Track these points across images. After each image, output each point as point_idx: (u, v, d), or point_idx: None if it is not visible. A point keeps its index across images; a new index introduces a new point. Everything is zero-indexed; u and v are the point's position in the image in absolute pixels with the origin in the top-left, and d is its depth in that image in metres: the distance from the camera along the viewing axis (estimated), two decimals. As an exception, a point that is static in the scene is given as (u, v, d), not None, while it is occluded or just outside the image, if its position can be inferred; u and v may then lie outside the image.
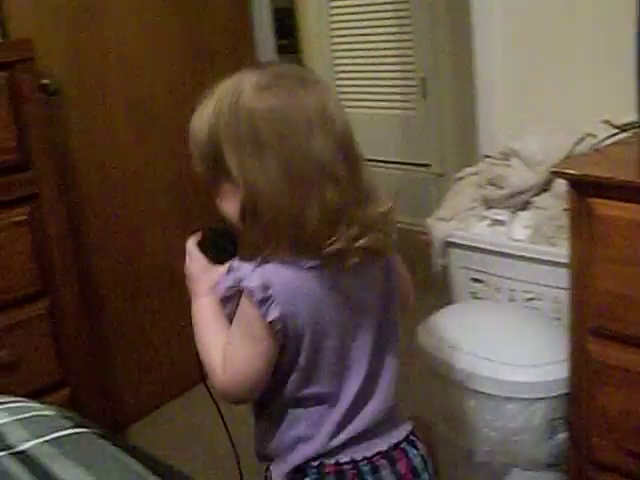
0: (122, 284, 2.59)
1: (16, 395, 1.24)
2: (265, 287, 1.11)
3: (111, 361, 2.58)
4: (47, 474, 0.86)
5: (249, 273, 1.13)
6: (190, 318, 1.29)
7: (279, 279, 1.12)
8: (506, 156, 2.09)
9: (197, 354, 1.25)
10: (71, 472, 0.86)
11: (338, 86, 4.16)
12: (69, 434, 0.96)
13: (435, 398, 1.88)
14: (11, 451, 0.92)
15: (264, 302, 1.11)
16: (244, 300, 1.14)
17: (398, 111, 3.99)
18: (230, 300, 1.20)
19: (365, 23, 4.00)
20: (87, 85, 2.45)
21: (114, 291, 2.57)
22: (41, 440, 0.94)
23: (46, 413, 1.04)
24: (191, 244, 1.31)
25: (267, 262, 1.12)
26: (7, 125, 1.99)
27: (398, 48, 3.85)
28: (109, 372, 2.56)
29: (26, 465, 0.89)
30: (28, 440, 0.94)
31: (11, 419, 1.00)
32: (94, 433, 0.98)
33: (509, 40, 2.23)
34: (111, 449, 0.94)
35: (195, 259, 1.30)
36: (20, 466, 0.89)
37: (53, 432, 0.97)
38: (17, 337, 2.08)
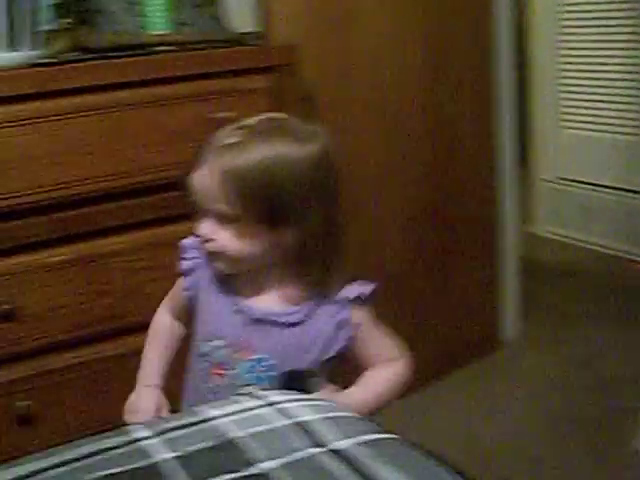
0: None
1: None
2: None
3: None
4: (367, 475, 0.88)
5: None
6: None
7: None
8: None
9: None
10: (393, 476, 0.88)
11: (563, 106, 4.10)
12: (381, 438, 0.98)
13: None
14: (326, 449, 0.95)
15: None
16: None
17: (623, 136, 3.90)
18: None
19: (597, 45, 3.93)
20: (336, 91, 2.51)
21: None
22: (354, 441, 0.96)
23: (348, 414, 1.07)
24: None
25: None
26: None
27: (631, 72, 3.76)
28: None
29: (344, 463, 0.91)
30: (340, 439, 0.97)
31: (317, 417, 1.04)
32: (397, 438, 1.00)
33: None
34: (422, 457, 0.95)
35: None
36: (338, 464, 0.92)
37: (364, 434, 0.99)
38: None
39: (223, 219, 1.33)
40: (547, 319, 3.48)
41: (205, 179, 1.32)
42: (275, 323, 1.37)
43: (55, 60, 1.93)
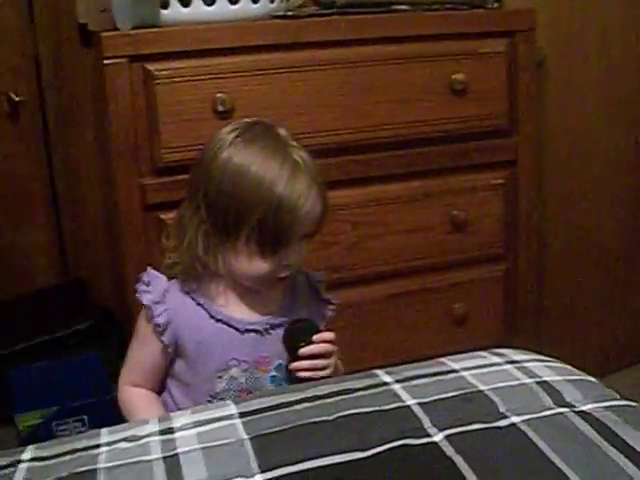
0: (568, 258, 2.62)
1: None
2: None
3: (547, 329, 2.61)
4: (617, 437, 0.90)
5: None
6: None
7: None
8: None
9: None
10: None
11: None
12: (624, 404, 0.99)
13: None
14: (572, 409, 0.97)
15: None
16: None
17: None
18: None
19: None
20: (567, 59, 2.47)
21: (560, 263, 2.60)
22: (600, 405, 0.98)
23: (590, 379, 1.08)
24: None
25: None
26: (501, 91, 2.07)
27: None
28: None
29: (591, 424, 0.93)
30: (586, 402, 0.99)
31: (561, 378, 1.06)
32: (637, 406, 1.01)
33: None
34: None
35: None
36: (586, 424, 0.94)
37: (607, 399, 1.01)
38: (470, 293, 2.16)
39: (303, 239, 1.37)
40: None
41: (317, 206, 1.34)
42: (276, 326, 1.42)
43: (294, 14, 2.00)
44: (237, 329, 1.38)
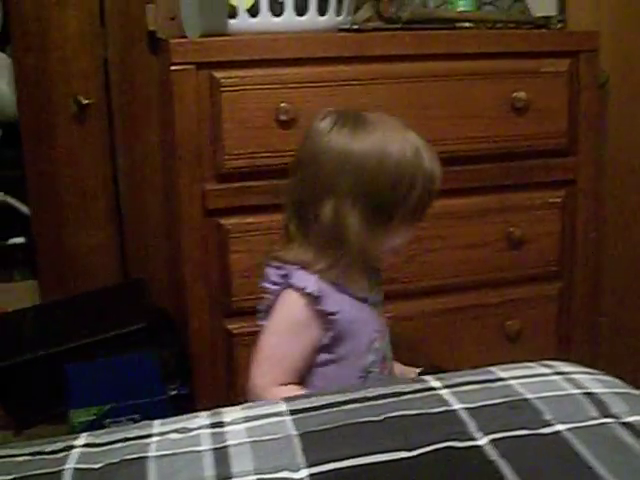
0: (627, 276, 2.60)
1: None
2: None
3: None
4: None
5: None
6: None
7: None
8: None
9: None
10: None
11: None
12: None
13: None
14: (617, 420, 0.98)
15: None
16: None
17: None
18: None
19: None
20: (630, 82, 2.46)
21: (618, 281, 2.58)
22: (645, 417, 0.99)
23: (637, 392, 1.08)
24: None
25: None
26: (562, 111, 2.07)
27: None
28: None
29: (635, 435, 0.94)
30: (631, 414, 1.00)
31: (608, 391, 1.06)
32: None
33: None
34: None
35: None
36: (630, 436, 0.94)
37: (654, 412, 1.01)
38: (524, 311, 2.16)
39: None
40: None
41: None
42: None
43: (359, 27, 2.03)
44: (369, 304, 1.51)
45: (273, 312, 1.45)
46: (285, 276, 1.43)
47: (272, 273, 1.46)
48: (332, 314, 1.42)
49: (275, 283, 1.45)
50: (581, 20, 2.39)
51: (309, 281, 1.41)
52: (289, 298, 1.43)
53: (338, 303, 1.43)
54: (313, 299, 1.41)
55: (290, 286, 1.42)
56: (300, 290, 1.41)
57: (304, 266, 1.43)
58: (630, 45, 2.45)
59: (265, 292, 1.48)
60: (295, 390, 1.41)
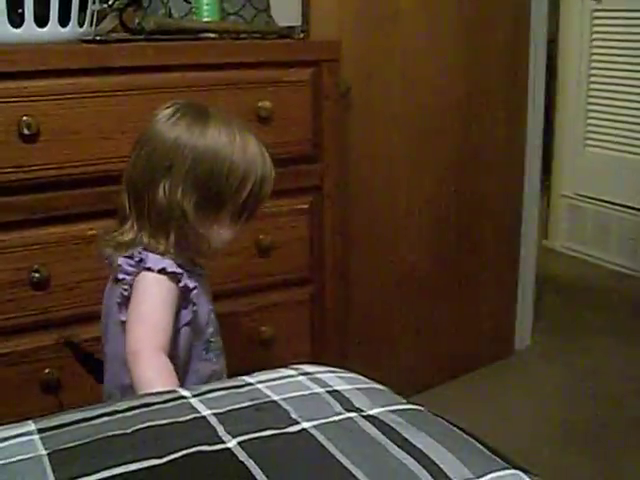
0: (372, 280, 2.71)
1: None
2: None
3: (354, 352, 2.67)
4: (400, 437, 0.95)
5: None
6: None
7: None
8: None
9: None
10: (423, 440, 0.94)
11: (589, 125, 4.16)
12: (410, 408, 1.05)
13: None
14: (362, 414, 1.02)
15: None
16: None
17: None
18: None
19: (625, 67, 3.99)
20: (371, 91, 2.57)
21: (364, 286, 2.69)
22: (386, 409, 1.03)
23: (379, 387, 1.13)
24: None
25: None
26: (306, 119, 2.13)
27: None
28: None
29: (377, 427, 0.98)
30: (374, 407, 1.04)
31: (351, 387, 1.10)
32: (428, 411, 1.06)
33: None
34: (449, 426, 1.02)
35: None
36: (372, 427, 0.98)
37: (394, 404, 1.06)
38: (277, 316, 2.20)
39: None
40: (559, 331, 3.55)
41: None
42: None
43: (102, 38, 2.00)
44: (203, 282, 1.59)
45: (136, 296, 1.46)
46: (140, 261, 1.46)
47: (124, 263, 1.47)
48: (194, 289, 1.50)
49: (129, 273, 1.47)
50: (324, 31, 2.47)
51: (165, 262, 1.46)
52: (150, 279, 1.46)
53: (190, 279, 1.50)
54: (174, 277, 1.46)
55: (148, 269, 1.45)
56: (161, 270, 1.45)
57: (148, 248, 1.47)
58: (370, 56, 2.57)
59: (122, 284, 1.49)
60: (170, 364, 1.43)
